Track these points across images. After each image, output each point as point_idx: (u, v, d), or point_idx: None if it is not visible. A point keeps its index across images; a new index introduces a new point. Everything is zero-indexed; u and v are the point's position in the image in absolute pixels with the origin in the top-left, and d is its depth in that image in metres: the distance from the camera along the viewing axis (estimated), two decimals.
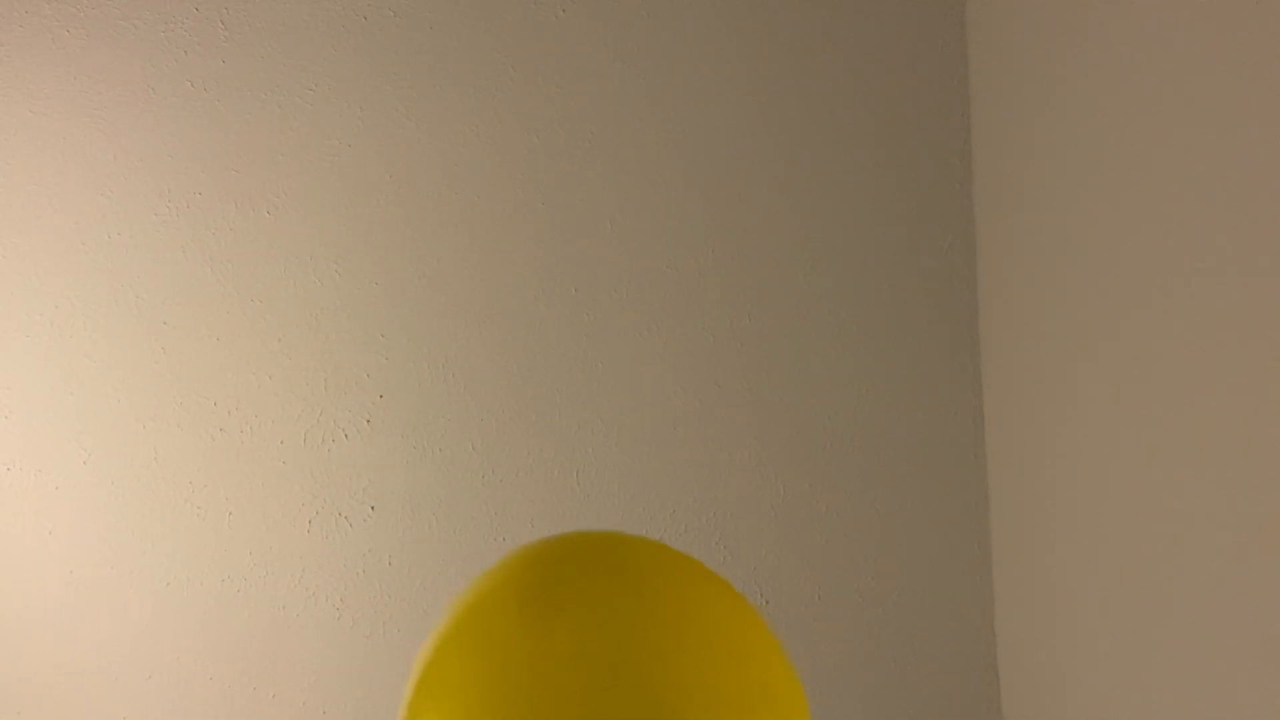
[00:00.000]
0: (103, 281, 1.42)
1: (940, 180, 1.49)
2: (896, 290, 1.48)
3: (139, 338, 1.42)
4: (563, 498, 1.44)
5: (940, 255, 1.48)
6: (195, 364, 1.42)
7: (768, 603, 1.45)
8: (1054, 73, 1.28)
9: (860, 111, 1.50)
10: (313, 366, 1.43)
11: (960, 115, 1.49)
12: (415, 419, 1.44)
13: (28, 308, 1.41)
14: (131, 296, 1.42)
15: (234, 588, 1.41)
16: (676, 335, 1.45)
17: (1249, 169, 0.94)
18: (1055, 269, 1.28)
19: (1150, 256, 1.08)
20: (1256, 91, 0.93)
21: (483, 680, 0.73)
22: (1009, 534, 1.41)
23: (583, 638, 0.73)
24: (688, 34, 1.49)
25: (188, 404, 1.42)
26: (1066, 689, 1.26)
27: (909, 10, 1.50)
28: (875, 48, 1.50)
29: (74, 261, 1.42)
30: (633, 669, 0.72)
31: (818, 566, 1.45)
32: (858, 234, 1.48)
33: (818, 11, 1.50)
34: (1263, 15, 0.91)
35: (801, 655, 1.46)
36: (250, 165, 1.45)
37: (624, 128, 1.48)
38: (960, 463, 1.46)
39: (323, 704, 1.41)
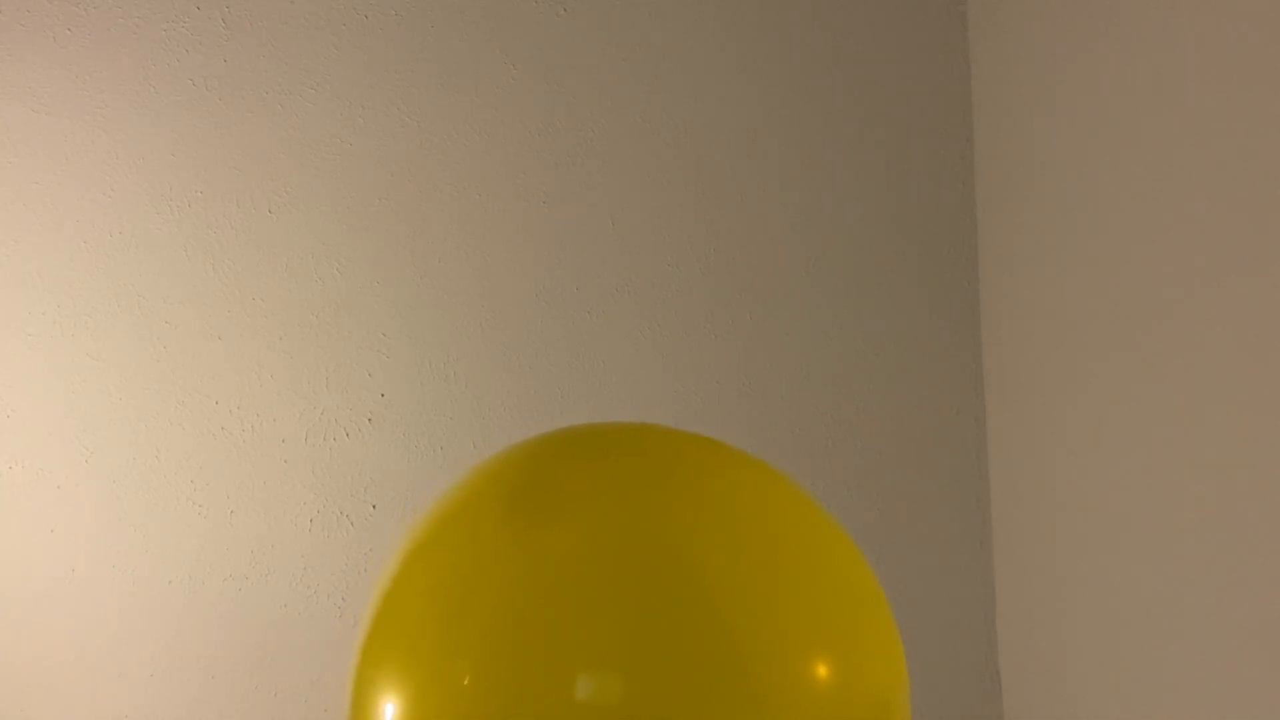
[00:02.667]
0: (104, 280, 1.42)
1: (942, 179, 1.49)
2: (898, 290, 1.48)
3: (140, 336, 1.42)
4: None
5: (942, 255, 1.48)
6: (197, 362, 1.42)
7: None
8: (1055, 71, 1.28)
9: (862, 111, 1.50)
10: (314, 365, 1.43)
11: (962, 114, 1.49)
12: (417, 417, 1.44)
13: (29, 306, 1.41)
14: (133, 295, 1.42)
15: (235, 586, 1.41)
16: (677, 334, 1.45)
17: (1251, 168, 0.93)
18: (1057, 268, 1.27)
19: (1151, 255, 1.08)
20: (1258, 91, 0.92)
21: (455, 599, 0.62)
22: (1010, 533, 1.41)
23: (587, 540, 0.61)
24: (689, 33, 1.49)
25: (189, 403, 1.42)
26: (1068, 689, 1.26)
27: (910, 10, 1.50)
28: (877, 47, 1.50)
29: (75, 260, 1.42)
30: (659, 573, 0.59)
31: None
32: (859, 234, 1.48)
33: (819, 11, 1.49)
34: (1265, 15, 0.91)
35: None
36: (251, 164, 1.45)
37: (625, 127, 1.48)
38: (962, 462, 1.46)
39: (324, 702, 1.41)
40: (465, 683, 0.58)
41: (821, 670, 0.60)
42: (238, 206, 1.44)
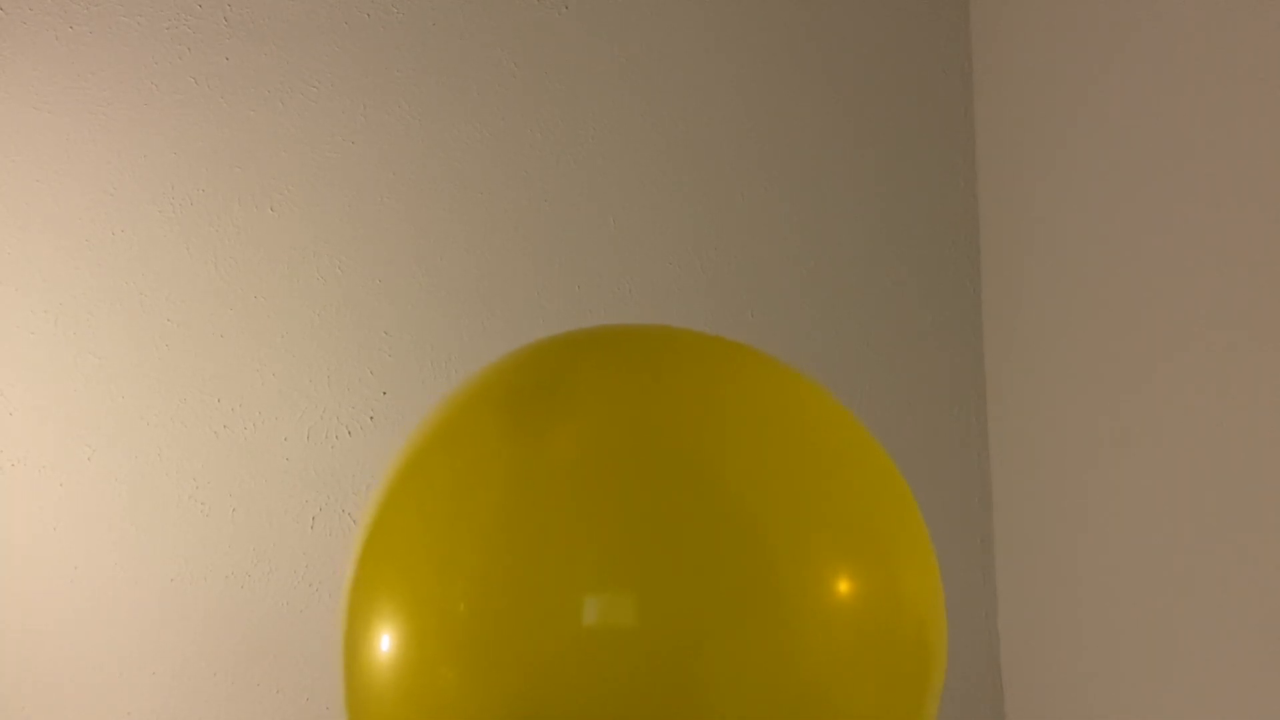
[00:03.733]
0: (105, 278, 1.42)
1: (943, 179, 1.48)
2: (899, 289, 1.47)
3: (142, 335, 1.42)
4: None
5: (943, 254, 1.48)
6: (198, 361, 1.42)
7: None
8: (1057, 70, 1.28)
9: (863, 110, 1.49)
10: (316, 363, 1.43)
11: (964, 113, 1.49)
12: (418, 416, 1.43)
13: (30, 305, 1.42)
14: (134, 293, 1.43)
15: (237, 584, 1.41)
16: None
17: (1253, 167, 0.93)
18: (1059, 267, 1.27)
19: (1153, 254, 1.08)
20: (1260, 91, 0.92)
21: (449, 516, 0.56)
22: (1012, 532, 1.41)
23: (595, 444, 0.54)
24: (691, 32, 1.49)
25: (191, 401, 1.42)
26: (1069, 689, 1.26)
27: (912, 9, 1.49)
28: (879, 46, 1.50)
29: (76, 258, 1.42)
30: (676, 479, 0.52)
31: None
32: (860, 233, 1.48)
33: (820, 11, 1.49)
34: (1267, 15, 0.91)
35: None
36: (253, 162, 1.45)
37: (627, 125, 1.47)
38: (963, 461, 1.46)
39: (326, 700, 1.41)
40: (461, 609, 0.53)
41: (855, 588, 0.55)
42: (239, 205, 1.44)
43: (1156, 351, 1.08)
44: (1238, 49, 0.95)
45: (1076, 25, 1.23)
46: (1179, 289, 1.04)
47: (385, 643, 0.56)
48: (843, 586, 0.55)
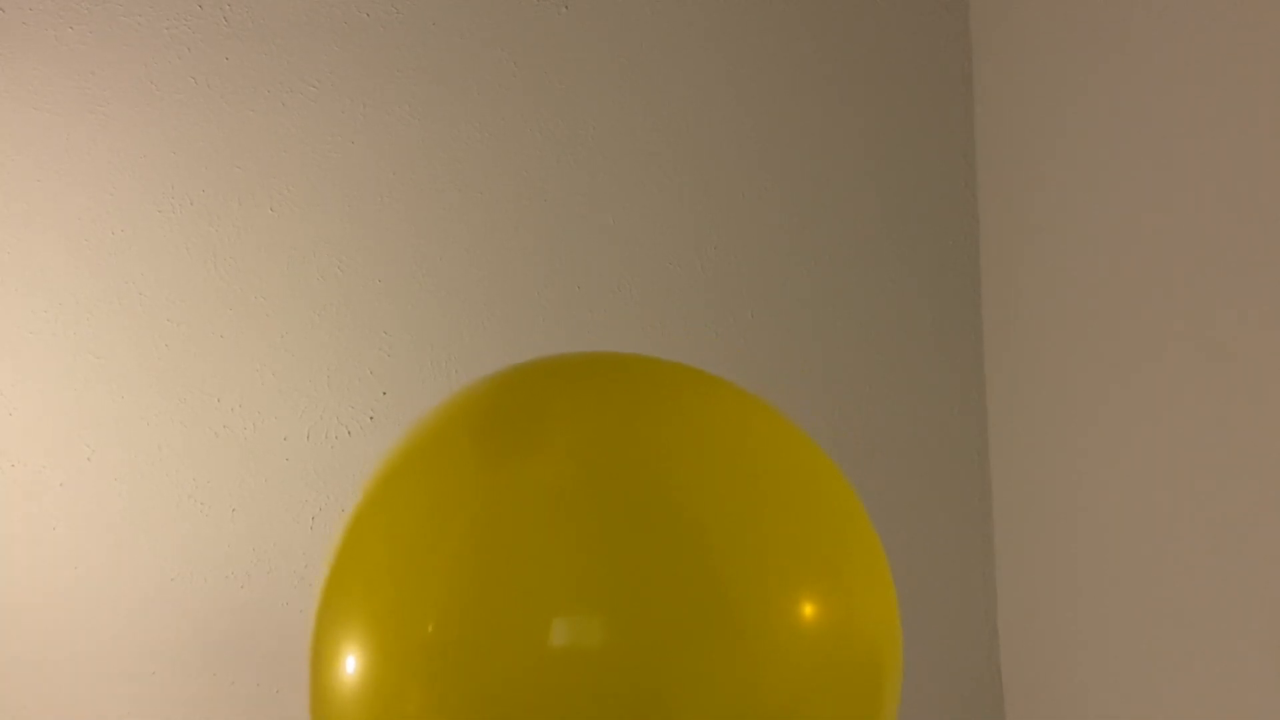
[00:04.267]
0: (105, 278, 1.42)
1: (943, 179, 1.48)
2: (899, 289, 1.47)
3: (142, 334, 1.42)
4: None
5: (943, 253, 1.48)
6: (198, 361, 1.42)
7: None
8: (1057, 69, 1.28)
9: (863, 110, 1.49)
10: (316, 363, 1.43)
11: (964, 112, 1.49)
12: (418, 416, 1.44)
13: (30, 304, 1.42)
14: (134, 293, 1.43)
15: (237, 584, 1.41)
16: (678, 332, 1.45)
17: (1253, 166, 0.93)
18: (1059, 267, 1.27)
19: (1154, 254, 1.08)
20: (1261, 90, 0.92)
21: (418, 538, 0.56)
22: (1012, 532, 1.41)
23: (564, 470, 0.55)
24: (691, 32, 1.49)
25: (191, 401, 1.42)
26: (1070, 688, 1.26)
27: (912, 9, 1.49)
28: (879, 45, 1.50)
29: (76, 258, 1.42)
30: (642, 506, 0.54)
31: None
32: (860, 233, 1.48)
33: (821, 10, 1.49)
34: (1269, 14, 0.91)
35: None
36: (253, 162, 1.45)
37: (627, 125, 1.47)
38: (964, 460, 1.46)
39: None
40: (429, 630, 0.54)
41: (812, 612, 0.57)
42: (239, 205, 1.44)
43: (1157, 351, 1.08)
44: (1238, 49, 0.95)
45: (1077, 25, 1.23)
46: (1179, 288, 1.04)
47: (350, 664, 0.56)
48: (800, 610, 0.57)
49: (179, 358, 1.42)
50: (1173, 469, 1.05)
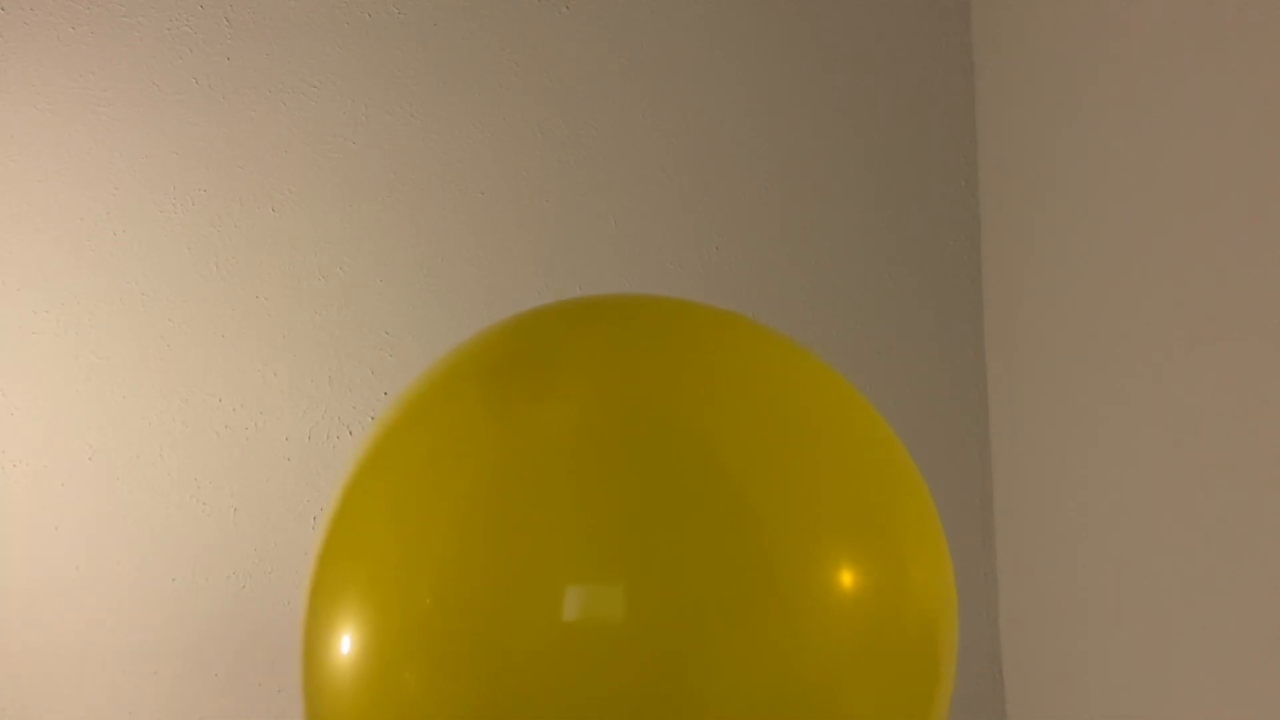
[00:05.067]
0: (107, 278, 1.42)
1: (944, 179, 1.49)
2: (900, 289, 1.48)
3: (143, 334, 1.42)
4: None
5: (944, 253, 1.48)
6: (199, 361, 1.42)
7: None
8: (1059, 69, 1.28)
9: (864, 110, 1.50)
10: (317, 363, 1.43)
11: (965, 112, 1.49)
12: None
13: (32, 305, 1.42)
14: (136, 293, 1.43)
15: (239, 584, 1.41)
16: None
17: (1252, 165, 0.93)
18: (1060, 267, 1.27)
19: (1154, 254, 1.08)
20: (1261, 89, 0.92)
21: (419, 499, 0.50)
22: (1013, 531, 1.41)
23: (580, 418, 0.48)
24: (692, 32, 1.49)
25: (192, 401, 1.42)
26: (1071, 686, 1.27)
27: (914, 9, 1.50)
28: (879, 46, 1.50)
29: (78, 258, 1.42)
30: (668, 459, 0.46)
31: None
32: (861, 233, 1.48)
33: (822, 10, 1.49)
34: (1270, 14, 0.91)
35: None
36: (254, 162, 1.45)
37: (628, 125, 1.48)
38: (964, 460, 1.46)
39: None
40: (427, 603, 0.48)
41: (861, 578, 0.50)
42: (240, 205, 1.44)
43: (1157, 351, 1.08)
44: (1239, 49, 0.96)
45: (1078, 25, 1.23)
46: (1179, 288, 1.04)
47: (345, 641, 0.50)
48: (849, 579, 0.50)
49: (180, 357, 1.42)
50: (1173, 468, 1.06)
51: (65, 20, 1.44)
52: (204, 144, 1.44)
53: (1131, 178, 1.12)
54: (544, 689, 0.45)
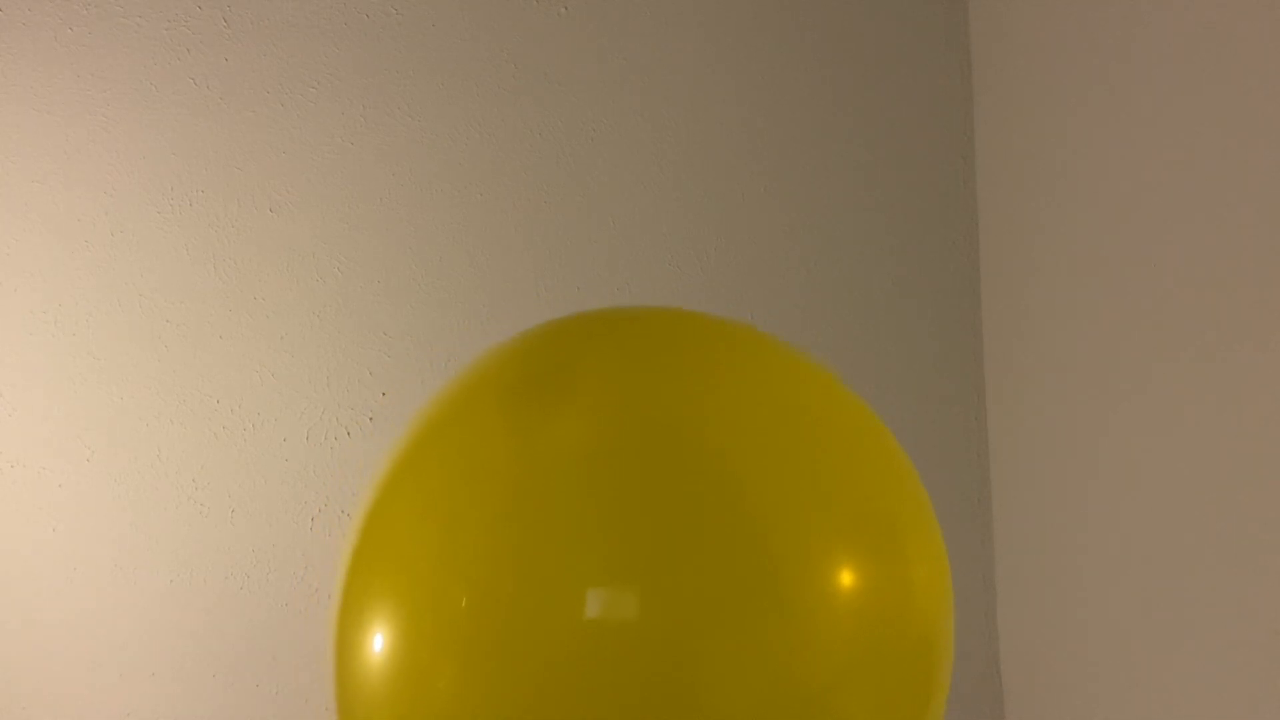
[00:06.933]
0: (105, 279, 1.42)
1: (943, 179, 1.49)
2: (898, 289, 1.48)
3: (141, 335, 1.42)
4: None
5: (943, 253, 1.48)
6: (198, 362, 1.42)
7: None
8: (1058, 70, 1.28)
9: (863, 110, 1.49)
10: (315, 364, 1.43)
11: (963, 112, 1.49)
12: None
13: (29, 305, 1.41)
14: (134, 294, 1.42)
15: (236, 585, 1.41)
16: None
17: (1253, 170, 0.93)
18: (1058, 267, 1.27)
19: (1153, 255, 1.08)
20: (1260, 89, 0.92)
21: (449, 507, 0.52)
22: (1011, 532, 1.41)
23: (602, 430, 0.51)
24: (690, 33, 1.49)
25: (190, 402, 1.42)
26: (1070, 688, 1.26)
27: (912, 10, 1.50)
28: (877, 47, 1.50)
29: (76, 259, 1.42)
30: (685, 469, 0.50)
31: None
32: (860, 233, 1.48)
33: (821, 11, 1.49)
34: (1271, 15, 0.91)
35: None
36: (252, 163, 1.45)
37: (626, 126, 1.48)
38: (963, 460, 1.46)
39: (326, 701, 1.41)
40: (463, 604, 0.51)
41: (864, 584, 0.53)
42: (238, 206, 1.44)
43: (1156, 351, 1.08)
44: (1240, 50, 0.96)
45: (1076, 25, 1.23)
46: (1178, 289, 1.04)
47: (379, 642, 0.53)
48: (851, 582, 0.52)
49: (178, 358, 1.42)
50: (1171, 470, 1.05)
51: (63, 21, 1.44)
52: (202, 145, 1.44)
53: (1129, 178, 1.12)
54: (569, 684, 0.48)
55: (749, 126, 1.49)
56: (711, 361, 0.56)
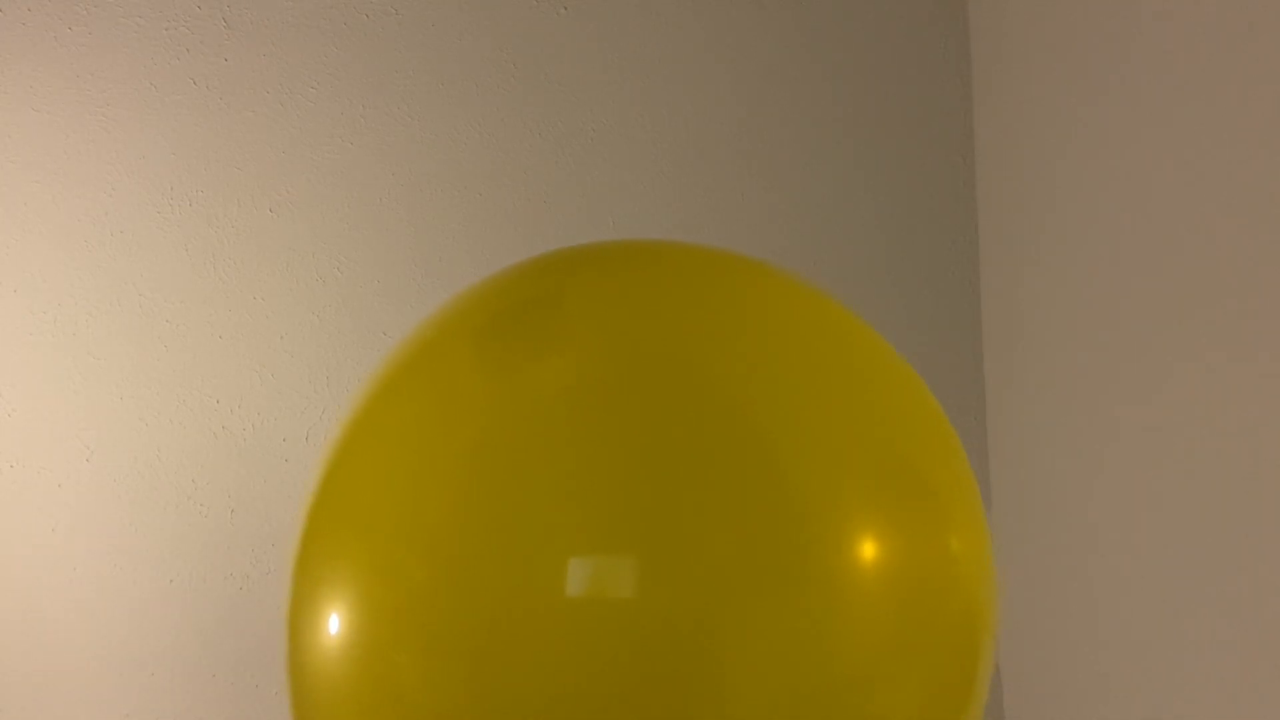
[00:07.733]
0: (105, 279, 1.42)
1: (943, 180, 1.49)
2: (899, 290, 1.47)
3: (141, 335, 1.42)
4: None
5: (943, 254, 1.48)
6: (197, 362, 1.42)
7: None
8: (1057, 71, 1.28)
9: (863, 112, 1.49)
10: (314, 364, 1.43)
11: (963, 114, 1.49)
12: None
13: (30, 305, 1.41)
14: (134, 294, 1.43)
15: (236, 585, 1.41)
16: None
17: (1253, 169, 0.93)
18: (1058, 267, 1.27)
19: (1153, 255, 1.08)
20: (1259, 89, 0.92)
21: (411, 462, 0.44)
22: (1011, 532, 1.41)
23: (587, 372, 0.42)
24: (689, 33, 1.49)
25: (190, 402, 1.42)
26: (1069, 687, 1.26)
27: (911, 10, 1.50)
28: (878, 47, 1.50)
29: (76, 259, 1.42)
30: (685, 415, 0.40)
31: None
32: (860, 233, 1.48)
33: (819, 11, 1.49)
34: (1271, 15, 0.91)
35: None
36: (252, 163, 1.45)
37: (626, 125, 1.48)
38: None
39: None
40: (419, 577, 0.43)
41: (900, 553, 0.45)
42: (238, 206, 1.44)
43: (1155, 352, 1.08)
44: (1239, 50, 0.96)
45: (1076, 26, 1.23)
46: (1178, 289, 1.04)
47: (331, 619, 0.47)
48: (886, 546, 0.44)
49: (178, 358, 1.42)
50: (1172, 468, 1.05)
51: (63, 21, 1.44)
52: (202, 145, 1.44)
53: (1129, 178, 1.12)
54: (544, 670, 0.41)
55: (748, 126, 1.49)
56: (715, 296, 0.46)
